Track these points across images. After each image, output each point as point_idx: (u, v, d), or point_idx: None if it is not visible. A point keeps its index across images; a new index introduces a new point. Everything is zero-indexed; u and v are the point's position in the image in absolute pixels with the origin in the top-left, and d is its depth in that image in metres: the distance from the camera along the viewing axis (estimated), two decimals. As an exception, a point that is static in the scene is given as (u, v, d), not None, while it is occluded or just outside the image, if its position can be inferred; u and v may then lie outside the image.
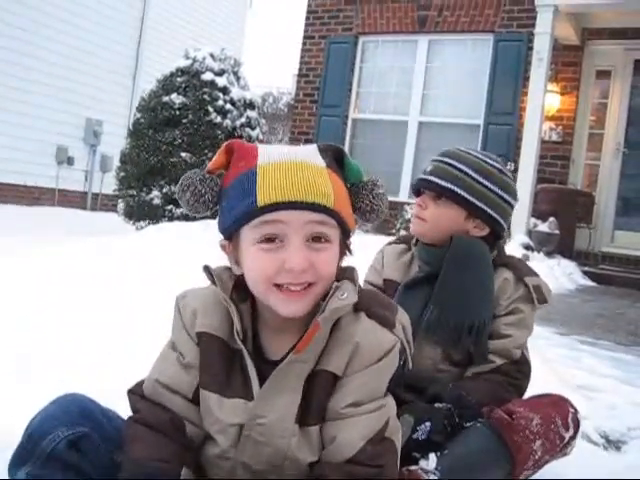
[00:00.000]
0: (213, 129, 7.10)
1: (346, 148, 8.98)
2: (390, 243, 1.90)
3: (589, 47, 8.00)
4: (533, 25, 7.28)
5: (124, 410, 1.20)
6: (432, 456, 1.39)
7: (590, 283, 6.70)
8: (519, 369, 1.64)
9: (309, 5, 9.63)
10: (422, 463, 1.39)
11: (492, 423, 1.44)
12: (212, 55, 7.51)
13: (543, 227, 6.97)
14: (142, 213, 7.13)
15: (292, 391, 1.10)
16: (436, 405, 1.53)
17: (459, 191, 1.66)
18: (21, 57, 10.37)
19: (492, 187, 1.67)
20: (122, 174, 7.40)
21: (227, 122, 7.19)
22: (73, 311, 2.77)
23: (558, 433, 1.48)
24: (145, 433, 1.11)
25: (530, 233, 6.92)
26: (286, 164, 1.06)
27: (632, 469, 1.89)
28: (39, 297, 2.95)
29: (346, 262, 1.17)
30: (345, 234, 1.12)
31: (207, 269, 1.15)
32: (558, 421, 1.49)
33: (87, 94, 11.50)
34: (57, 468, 1.09)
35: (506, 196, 1.69)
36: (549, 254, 6.77)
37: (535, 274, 1.73)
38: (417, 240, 1.79)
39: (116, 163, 8.08)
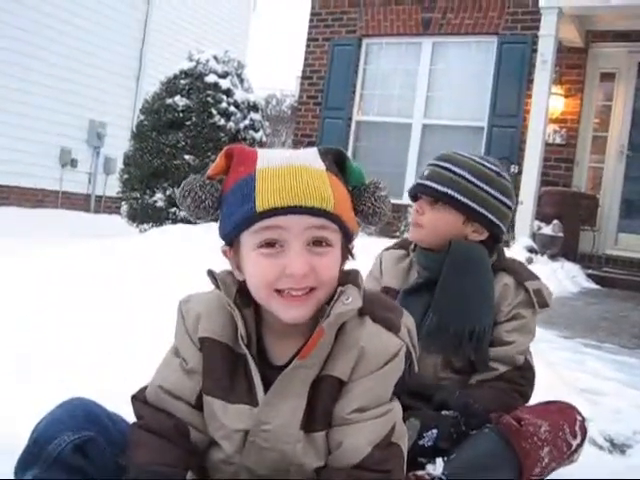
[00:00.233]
0: (216, 131, 7.09)
1: (349, 150, 8.99)
2: (388, 248, 1.87)
3: (593, 49, 7.98)
4: (537, 27, 7.26)
5: (128, 414, 1.19)
6: (439, 461, 1.39)
7: (594, 286, 6.67)
8: (523, 375, 1.63)
9: (313, 7, 9.63)
10: (429, 468, 1.39)
11: (500, 429, 1.43)
12: (215, 57, 7.51)
13: (547, 230, 6.96)
14: (145, 215, 7.13)
15: (297, 397, 1.10)
16: (443, 412, 1.52)
17: (456, 195, 1.64)
18: (23, 58, 10.36)
19: (490, 190, 1.65)
20: (125, 176, 7.40)
21: (231, 124, 7.19)
22: (73, 311, 2.78)
23: (566, 440, 1.47)
24: (149, 439, 1.10)
25: (534, 236, 6.91)
26: (285, 169, 1.05)
27: (637, 471, 1.89)
28: (39, 297, 2.95)
29: (349, 265, 1.15)
30: (347, 238, 1.11)
31: (211, 273, 1.14)
32: (566, 428, 1.48)
33: (90, 96, 11.48)
34: (63, 472, 1.09)
35: (504, 199, 1.67)
36: (553, 257, 6.75)
37: (535, 277, 1.71)
38: (415, 245, 1.77)
39: (119, 165, 8.09)
